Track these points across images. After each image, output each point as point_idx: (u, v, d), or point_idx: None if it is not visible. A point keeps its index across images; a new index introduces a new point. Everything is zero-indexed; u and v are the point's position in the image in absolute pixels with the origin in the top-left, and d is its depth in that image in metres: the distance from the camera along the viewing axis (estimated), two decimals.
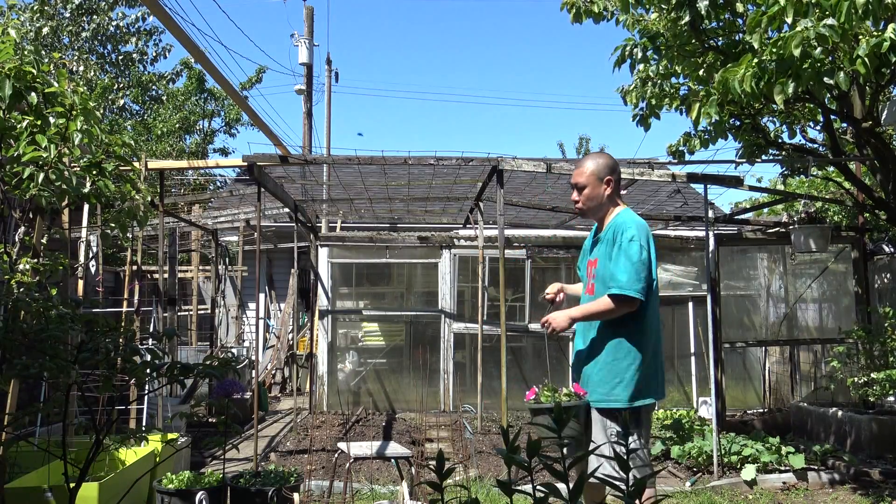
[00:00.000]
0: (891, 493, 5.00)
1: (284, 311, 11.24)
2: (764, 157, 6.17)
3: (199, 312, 10.49)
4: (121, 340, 2.54)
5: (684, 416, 7.45)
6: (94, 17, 12.91)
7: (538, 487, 1.44)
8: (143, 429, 4.18)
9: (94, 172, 3.01)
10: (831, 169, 7.15)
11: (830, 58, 3.62)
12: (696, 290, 8.33)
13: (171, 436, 4.99)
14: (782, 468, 5.37)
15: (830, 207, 8.04)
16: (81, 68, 9.68)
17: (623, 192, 4.80)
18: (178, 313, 8.40)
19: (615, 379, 3.02)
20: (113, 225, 3.93)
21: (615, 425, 3.01)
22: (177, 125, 15.74)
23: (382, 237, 8.80)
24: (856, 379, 5.77)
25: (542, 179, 8.05)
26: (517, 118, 60.30)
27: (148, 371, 2.46)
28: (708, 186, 5.90)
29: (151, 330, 6.52)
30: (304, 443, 6.43)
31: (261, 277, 11.63)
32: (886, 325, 5.88)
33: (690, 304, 8.36)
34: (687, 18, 4.50)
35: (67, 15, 12.61)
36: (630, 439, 2.89)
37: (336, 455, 4.68)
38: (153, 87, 15.77)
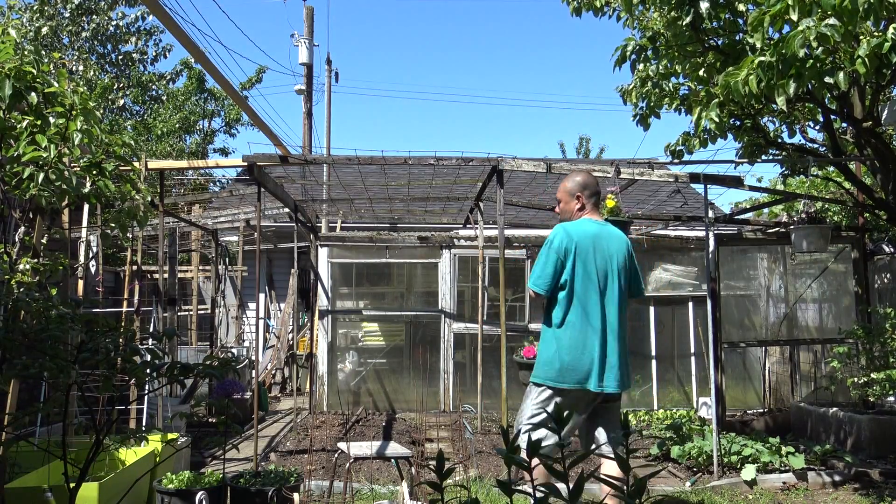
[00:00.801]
0: (891, 493, 5.00)
1: (284, 311, 11.24)
2: (764, 157, 6.17)
3: (199, 312, 10.48)
4: (121, 340, 2.54)
5: (684, 416, 7.46)
6: (94, 17, 12.90)
7: (538, 487, 1.44)
8: (143, 429, 4.19)
9: (94, 172, 3.01)
10: (831, 169, 7.15)
11: (831, 58, 3.62)
12: (696, 290, 8.34)
13: (171, 436, 4.99)
14: (782, 468, 5.37)
15: (830, 207, 8.04)
16: (81, 68, 9.67)
17: (618, 190, 4.88)
18: (178, 313, 8.40)
19: (539, 358, 3.55)
20: (113, 225, 3.93)
21: (531, 397, 3.51)
22: (177, 125, 15.73)
23: (382, 237, 8.80)
24: (856, 379, 5.77)
25: (542, 179, 8.04)
26: (517, 118, 60.31)
27: (148, 371, 2.45)
28: (708, 186, 5.90)
29: (151, 330, 6.52)
30: (304, 443, 6.43)
31: (261, 277, 11.63)
32: (887, 325, 5.88)
33: (690, 304, 8.36)
34: (687, 19, 4.50)
35: (67, 15, 12.59)
36: (530, 406, 3.47)
37: (336, 455, 4.68)
38: (153, 87, 15.75)
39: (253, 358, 9.07)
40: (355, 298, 9.06)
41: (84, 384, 2.97)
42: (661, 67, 5.15)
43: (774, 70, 3.54)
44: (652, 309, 8.40)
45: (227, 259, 12.08)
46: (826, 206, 7.85)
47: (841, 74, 3.47)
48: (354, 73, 56.92)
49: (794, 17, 3.29)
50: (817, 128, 6.75)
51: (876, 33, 3.43)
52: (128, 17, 13.49)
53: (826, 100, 5.40)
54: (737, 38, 4.83)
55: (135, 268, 5.92)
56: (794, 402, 7.14)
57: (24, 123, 2.77)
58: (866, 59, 3.34)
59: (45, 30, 11.88)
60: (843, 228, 7.12)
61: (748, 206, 9.73)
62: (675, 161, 5.96)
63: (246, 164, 5.75)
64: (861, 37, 3.49)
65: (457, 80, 63.05)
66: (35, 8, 12.07)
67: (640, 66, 5.23)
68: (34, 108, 2.79)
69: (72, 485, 2.47)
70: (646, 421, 7.58)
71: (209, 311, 10.19)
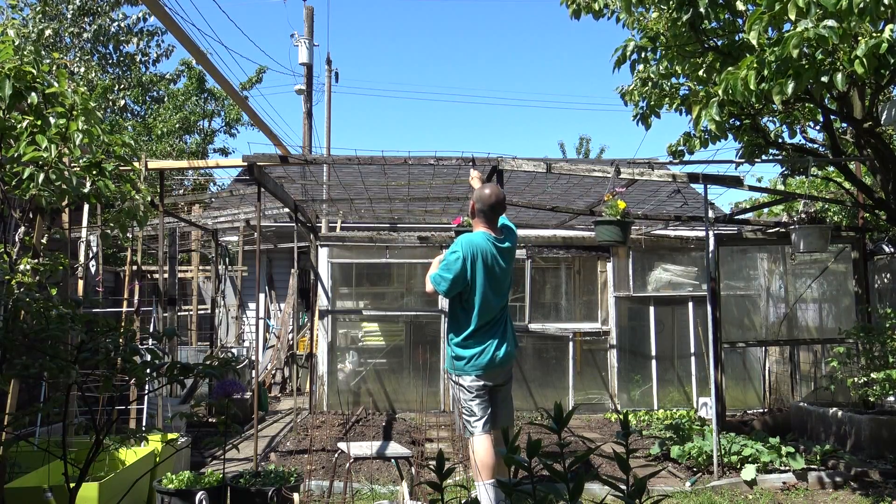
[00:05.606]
0: (891, 493, 5.00)
1: (284, 311, 11.24)
2: (764, 157, 6.17)
3: (199, 312, 10.48)
4: (121, 340, 2.54)
5: (684, 416, 7.46)
6: (96, 17, 12.88)
7: (538, 487, 1.44)
8: (143, 429, 4.19)
9: (94, 172, 3.01)
10: (831, 169, 7.15)
11: (830, 58, 3.62)
12: (696, 290, 8.34)
13: (171, 436, 4.99)
14: (782, 468, 5.37)
15: (830, 207, 8.04)
16: (83, 69, 9.66)
17: (622, 190, 4.96)
18: (178, 313, 8.40)
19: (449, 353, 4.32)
20: (113, 225, 3.93)
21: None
22: (177, 125, 15.71)
23: (382, 237, 8.80)
24: (856, 379, 5.76)
25: (542, 179, 8.05)
26: (517, 118, 60.34)
27: (148, 371, 2.46)
28: (708, 186, 5.89)
29: (151, 330, 6.52)
30: (304, 443, 6.43)
31: (261, 277, 11.64)
32: (886, 325, 5.88)
33: (690, 304, 8.36)
34: (686, 17, 4.50)
35: (69, 16, 12.57)
36: (462, 397, 4.21)
37: (336, 455, 4.68)
38: (154, 87, 15.75)
39: (253, 358, 9.07)
40: (355, 298, 9.06)
41: (84, 384, 2.98)
42: (661, 68, 5.16)
43: (770, 69, 3.54)
44: (652, 309, 8.40)
45: (227, 259, 12.08)
46: (826, 206, 7.85)
47: (839, 75, 3.46)
48: (355, 73, 56.97)
49: (792, 16, 3.28)
50: (817, 128, 6.75)
51: (875, 34, 3.43)
52: (129, 18, 13.48)
53: (826, 100, 5.40)
54: (736, 38, 4.83)
55: (135, 268, 5.93)
56: (794, 402, 7.14)
57: (24, 123, 2.77)
58: (864, 60, 3.34)
59: (47, 31, 11.86)
60: (843, 228, 7.12)
61: (748, 206, 9.74)
62: (675, 161, 5.97)
63: (246, 164, 5.75)
64: (860, 37, 3.48)
65: (457, 80, 63.10)
66: (38, 9, 12.06)
67: (641, 67, 5.23)
68: (34, 108, 2.79)
69: (72, 485, 2.47)
70: (646, 421, 7.57)
71: (209, 311, 10.19)
